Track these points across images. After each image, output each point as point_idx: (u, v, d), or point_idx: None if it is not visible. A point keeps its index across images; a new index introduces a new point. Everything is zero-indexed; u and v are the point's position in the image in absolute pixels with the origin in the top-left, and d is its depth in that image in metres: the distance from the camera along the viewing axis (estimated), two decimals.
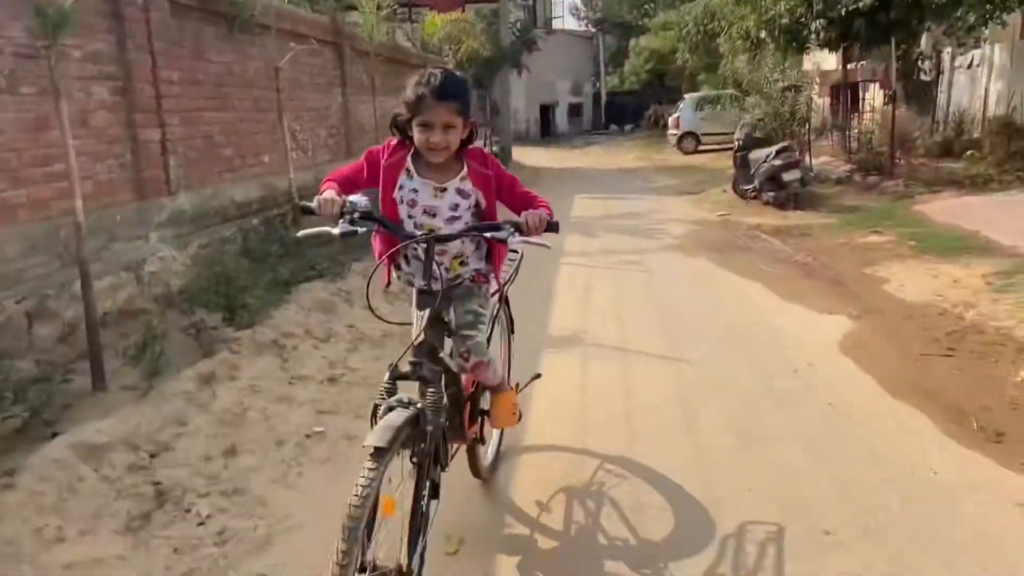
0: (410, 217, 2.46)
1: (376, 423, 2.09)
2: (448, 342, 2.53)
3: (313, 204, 2.27)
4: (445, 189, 2.43)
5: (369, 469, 1.91)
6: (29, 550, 2.45)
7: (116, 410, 3.40)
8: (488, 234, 2.37)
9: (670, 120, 24.38)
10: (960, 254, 6.95)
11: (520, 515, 2.90)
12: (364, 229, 2.30)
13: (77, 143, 4.48)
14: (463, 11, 18.25)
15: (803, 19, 12.86)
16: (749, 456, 3.33)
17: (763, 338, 5.03)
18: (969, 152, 11.51)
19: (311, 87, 8.48)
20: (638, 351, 4.83)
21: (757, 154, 11.11)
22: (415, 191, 2.44)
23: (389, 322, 2.61)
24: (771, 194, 10.68)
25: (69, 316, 4.43)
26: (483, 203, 2.48)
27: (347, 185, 2.42)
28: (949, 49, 15.97)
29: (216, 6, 6.14)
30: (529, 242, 2.33)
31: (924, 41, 16.43)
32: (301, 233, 2.54)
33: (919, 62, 15.93)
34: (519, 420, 2.91)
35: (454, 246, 2.49)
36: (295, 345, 4.53)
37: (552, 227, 2.33)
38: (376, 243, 2.51)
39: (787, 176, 10.48)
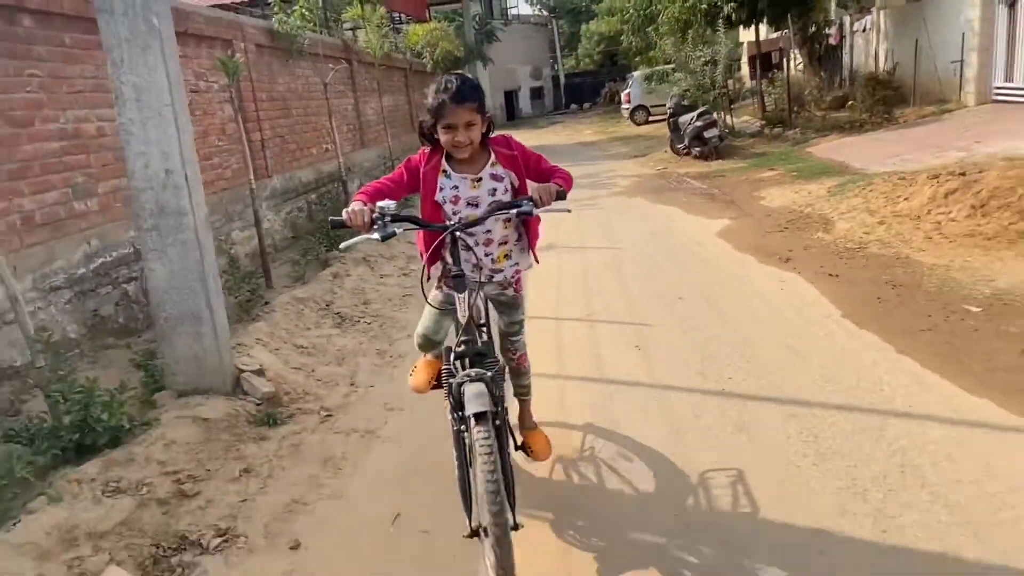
0: (455, 213, 2.63)
1: (454, 399, 2.29)
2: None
3: (343, 217, 2.36)
4: (480, 178, 2.63)
5: (483, 434, 2.10)
6: (295, 332, 5.10)
7: (292, 291, 6.02)
8: (513, 211, 2.51)
9: (623, 96, 27.03)
10: (821, 177, 9.75)
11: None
12: (402, 229, 2.42)
13: (223, 144, 7.10)
14: (430, 15, 20.67)
15: (718, 3, 15.52)
16: (650, 282, 6.07)
17: (671, 234, 7.79)
18: (850, 103, 14.34)
19: (334, 94, 11.02)
20: (590, 247, 7.55)
21: (684, 118, 13.81)
22: (455, 187, 2.63)
23: (434, 306, 2.77)
24: (697, 149, 13.42)
25: (232, 253, 7.04)
26: (516, 182, 2.68)
27: (379, 197, 2.50)
28: (848, 17, 18.84)
29: (281, 43, 8.71)
30: (551, 210, 2.52)
31: (832, 10, 19.28)
32: (343, 245, 2.60)
33: (824, 29, 18.74)
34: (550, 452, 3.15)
35: (498, 235, 2.72)
36: (375, 260, 7.19)
37: (560, 195, 2.52)
38: (419, 240, 2.70)
39: (708, 134, 13.22)
